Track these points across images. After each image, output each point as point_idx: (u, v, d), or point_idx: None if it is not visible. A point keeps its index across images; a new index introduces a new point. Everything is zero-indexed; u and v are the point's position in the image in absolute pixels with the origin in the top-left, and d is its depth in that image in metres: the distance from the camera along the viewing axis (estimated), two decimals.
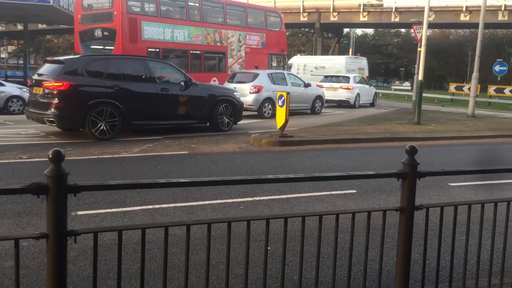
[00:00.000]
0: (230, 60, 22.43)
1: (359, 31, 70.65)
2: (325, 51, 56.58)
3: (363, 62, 32.58)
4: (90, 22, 19.25)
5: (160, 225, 2.38)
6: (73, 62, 10.84)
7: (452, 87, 35.96)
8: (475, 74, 20.33)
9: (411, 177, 2.80)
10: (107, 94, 10.62)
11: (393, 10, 45.85)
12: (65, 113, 10.29)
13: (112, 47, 18.37)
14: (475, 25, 25.20)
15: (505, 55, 61.98)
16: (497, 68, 29.84)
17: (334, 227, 2.74)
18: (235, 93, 13.50)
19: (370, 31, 75.48)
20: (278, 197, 6.17)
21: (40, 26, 46.94)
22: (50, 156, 2.05)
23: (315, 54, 55.46)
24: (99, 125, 10.46)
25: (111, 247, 4.14)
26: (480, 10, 20.59)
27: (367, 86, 25.61)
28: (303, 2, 47.86)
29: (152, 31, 19.32)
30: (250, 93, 16.70)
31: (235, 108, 13.09)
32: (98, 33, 18.81)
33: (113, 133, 10.63)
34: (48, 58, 12.73)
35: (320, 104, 19.72)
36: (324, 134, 12.47)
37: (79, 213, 5.20)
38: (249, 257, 2.56)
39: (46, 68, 11.13)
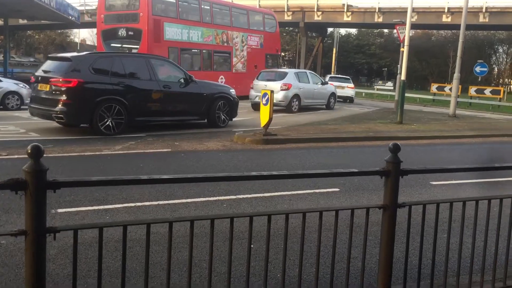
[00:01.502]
0: (234, 60, 23.99)
1: (343, 31, 71.09)
2: (309, 51, 56.81)
3: None
4: (113, 22, 20.16)
5: (142, 222, 2.35)
6: (80, 60, 11.06)
7: (434, 87, 36.40)
8: (456, 75, 20.60)
9: (394, 174, 2.81)
10: (113, 91, 10.86)
11: (377, 11, 46.21)
12: (74, 110, 10.43)
13: (137, 46, 19.41)
14: (457, 27, 25.57)
15: (485, 56, 62.98)
16: (478, 69, 30.27)
17: (317, 225, 2.74)
18: (231, 90, 13.87)
19: (353, 31, 75.98)
20: (261, 195, 6.16)
21: (21, 21, 46.15)
22: (29, 151, 2.01)
23: (299, 53, 55.68)
24: (106, 121, 10.70)
25: (92, 245, 4.08)
26: (461, 12, 20.87)
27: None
28: (287, 1, 47.96)
29: (172, 32, 20.64)
30: (281, 90, 18.39)
31: (232, 105, 13.48)
32: (122, 32, 19.83)
33: (118, 130, 10.83)
34: (50, 55, 12.83)
35: (333, 100, 22.05)
36: (308, 133, 12.50)
37: (59, 210, 5.12)
38: (232, 255, 2.54)
39: (51, 65, 11.25)
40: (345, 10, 47.00)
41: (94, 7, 56.47)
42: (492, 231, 3.29)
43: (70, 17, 27.67)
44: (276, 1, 48.47)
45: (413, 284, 3.26)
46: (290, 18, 49.45)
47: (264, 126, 11.19)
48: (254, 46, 25.20)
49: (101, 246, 2.23)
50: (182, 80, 12.36)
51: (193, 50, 22.09)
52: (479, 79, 34.73)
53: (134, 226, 2.85)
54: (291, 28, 70.86)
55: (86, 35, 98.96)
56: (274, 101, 16.05)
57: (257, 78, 19.82)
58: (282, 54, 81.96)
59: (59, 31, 76.60)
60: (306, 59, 53.78)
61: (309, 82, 20.21)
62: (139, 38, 19.56)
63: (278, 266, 3.82)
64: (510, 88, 68.64)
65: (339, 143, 11.59)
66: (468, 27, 30.81)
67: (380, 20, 46.48)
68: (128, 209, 5.36)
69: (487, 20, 42.87)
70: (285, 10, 48.71)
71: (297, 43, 63.37)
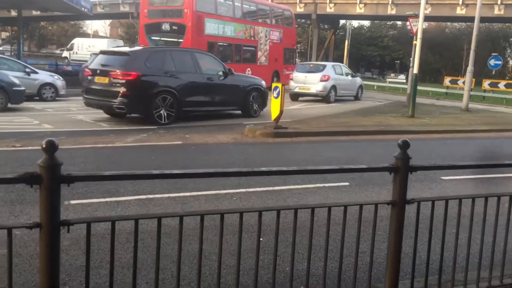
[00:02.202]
0: (259, 53, 25.44)
1: (355, 23, 70.50)
2: (321, 43, 56.47)
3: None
4: (157, 16, 21.30)
5: (153, 216, 2.40)
6: (137, 54, 12.03)
7: (447, 80, 36.02)
8: (470, 68, 20.37)
9: (403, 171, 2.83)
10: (165, 83, 11.70)
11: (390, 3, 45.75)
12: (133, 100, 11.21)
13: (181, 40, 20.63)
14: (471, 19, 25.24)
15: (500, 49, 62.10)
16: (492, 62, 29.89)
17: (326, 219, 2.77)
18: (262, 82, 14.90)
19: (366, 23, 75.33)
20: (271, 188, 6.20)
21: (34, 12, 46.48)
22: (44, 146, 2.05)
23: (311, 45, 55.38)
24: (159, 110, 11.50)
25: (104, 237, 4.15)
26: (476, 4, 20.59)
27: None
28: None
29: (211, 27, 22.02)
30: (320, 81, 20.18)
31: (263, 96, 14.54)
32: (165, 27, 21.04)
33: (169, 119, 11.65)
34: (103, 50, 13.69)
35: (361, 92, 23.99)
36: (319, 126, 12.49)
37: (72, 202, 5.21)
38: (241, 248, 2.58)
39: (107, 59, 12.10)
40: (358, 2, 46.60)
41: None
42: (502, 227, 3.29)
43: (83, 8, 27.77)
44: None
45: (421, 279, 3.28)
46: (302, 10, 49.15)
47: (274, 119, 11.21)
48: (275, 41, 26.50)
49: (113, 238, 2.28)
50: (221, 73, 13.20)
51: (226, 44, 23.33)
52: (493, 73, 34.25)
53: (146, 219, 2.90)
54: (303, 20, 70.45)
55: (98, 27, 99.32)
56: (314, 91, 20.19)
57: (296, 71, 21.56)
58: (295, 45, 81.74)
59: (72, 22, 77.02)
60: (318, 51, 53.53)
61: (342, 74, 22.02)
62: (183, 33, 20.64)
63: (286, 259, 3.86)
64: None
65: (350, 137, 11.57)
66: (483, 19, 30.41)
67: (393, 12, 46.01)
68: (140, 201, 5.43)
69: (502, 12, 42.23)
70: (297, 1, 48.42)
71: (309, 35, 63.00)
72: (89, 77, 12.08)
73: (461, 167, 3.41)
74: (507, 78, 58.08)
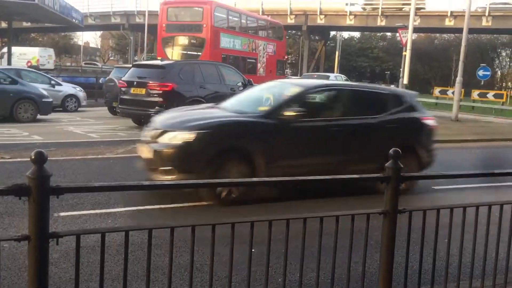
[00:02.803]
0: (258, 65, 26.77)
1: (345, 34, 71.06)
2: (312, 54, 56.84)
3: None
4: (175, 30, 22.65)
5: (144, 228, 2.37)
6: (172, 67, 12.98)
7: (436, 91, 36.38)
8: (459, 79, 20.58)
9: (395, 180, 2.83)
10: (196, 93, 12.64)
11: (379, 14, 46.21)
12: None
13: (199, 53, 21.94)
14: (460, 30, 25.53)
15: (488, 60, 62.83)
16: (480, 72, 30.23)
17: (318, 230, 2.76)
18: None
19: (356, 34, 75.97)
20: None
21: (24, 24, 46.42)
22: (33, 157, 2.03)
23: (302, 56, 55.72)
24: None
25: (94, 249, 4.10)
26: (464, 15, 20.87)
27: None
28: (290, 4, 48.02)
29: (224, 41, 23.40)
30: None
31: None
32: (184, 41, 22.71)
33: None
34: (135, 63, 14.90)
35: None
36: None
37: (62, 214, 5.15)
38: (233, 259, 2.56)
39: (141, 72, 13.07)
40: (348, 14, 47.04)
41: (97, 10, 56.78)
42: (493, 236, 3.30)
43: (74, 20, 27.79)
44: (279, 4, 48.59)
45: None
46: (293, 21, 49.51)
47: None
48: (270, 53, 27.84)
49: (103, 251, 2.25)
50: (240, 84, 14.14)
51: (235, 57, 24.46)
52: (482, 83, 34.60)
53: (136, 230, 2.87)
54: (294, 31, 70.92)
55: (89, 38, 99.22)
56: None
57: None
58: (285, 57, 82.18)
59: (63, 33, 76.89)
60: (309, 62, 53.86)
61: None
62: (202, 46, 22.07)
63: (279, 270, 3.83)
64: None
65: None
66: (471, 30, 30.80)
67: (383, 23, 46.48)
68: (131, 212, 5.38)
69: (490, 23, 42.82)
70: (288, 13, 48.77)
71: (300, 46, 63.42)
72: (124, 89, 13.01)
73: (452, 177, 3.42)
74: (496, 88, 58.75)
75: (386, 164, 2.86)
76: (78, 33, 77.43)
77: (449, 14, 43.71)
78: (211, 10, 21.99)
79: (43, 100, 13.81)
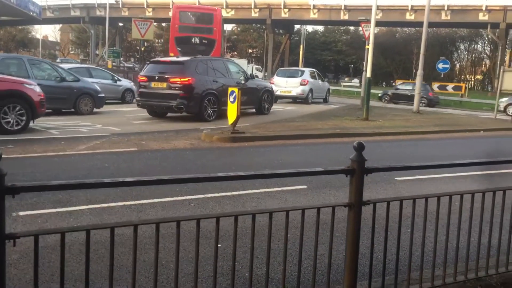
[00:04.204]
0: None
1: (309, 28, 71.56)
2: (277, 47, 57.01)
3: None
4: (187, 31, 25.39)
5: (106, 226, 2.30)
6: (189, 63, 14.28)
7: (398, 84, 37.11)
8: (419, 72, 21.04)
9: (359, 173, 2.85)
10: (210, 86, 14.11)
11: (342, 8, 46.75)
12: (189, 101, 13.58)
13: (209, 51, 24.53)
14: (420, 24, 26.12)
15: (448, 53, 64.59)
16: (440, 65, 31.05)
17: (284, 223, 2.75)
18: (270, 85, 18.61)
19: (320, 28, 76.64)
20: (229, 193, 6.15)
21: None
22: None
23: (267, 50, 55.83)
24: (208, 109, 14.02)
25: (55, 248, 3.99)
26: (424, 10, 21.32)
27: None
28: None
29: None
30: (300, 85, 23.23)
31: (272, 97, 17.83)
32: (195, 40, 25.32)
33: (213, 117, 14.07)
34: (153, 60, 16.35)
35: (328, 95, 27.19)
36: (276, 130, 12.55)
37: (21, 213, 4.98)
38: (199, 255, 2.53)
39: (161, 68, 14.31)
40: (312, 7, 47.35)
41: (56, 3, 55.18)
42: (454, 225, 3.38)
43: (31, 12, 26.92)
44: None
45: (378, 280, 3.32)
46: (257, 15, 49.48)
47: (231, 124, 11.17)
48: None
49: (63, 251, 2.18)
50: (243, 78, 15.81)
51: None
52: (442, 76, 35.58)
53: (98, 229, 2.80)
54: (258, 25, 70.89)
55: (48, 31, 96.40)
56: (294, 94, 23.24)
57: (276, 75, 24.87)
58: (250, 50, 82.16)
59: (20, 27, 74.43)
60: (274, 56, 53.99)
61: (316, 79, 24.96)
62: (212, 46, 25.25)
63: (245, 265, 3.82)
64: (471, 84, 70.69)
65: (306, 140, 11.68)
66: (431, 24, 31.52)
67: (346, 17, 47.05)
68: (93, 210, 5.26)
69: (449, 17, 43.99)
70: (252, 7, 48.71)
71: (265, 40, 63.46)
72: (144, 83, 14.16)
73: (415, 168, 3.48)
74: (455, 81, 60.44)
75: (350, 157, 2.88)
76: (37, 27, 75.15)
77: (409, 8, 44.64)
78: (220, 16, 26.24)
79: (98, 95, 15.64)
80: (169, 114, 14.94)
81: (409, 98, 28.21)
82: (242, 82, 15.39)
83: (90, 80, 17.40)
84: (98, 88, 16.01)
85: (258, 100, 16.51)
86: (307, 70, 24.88)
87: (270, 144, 10.82)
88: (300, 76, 23.74)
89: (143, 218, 4.92)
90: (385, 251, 3.14)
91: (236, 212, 2.79)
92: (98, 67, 23.82)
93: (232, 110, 11.05)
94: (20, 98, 10.52)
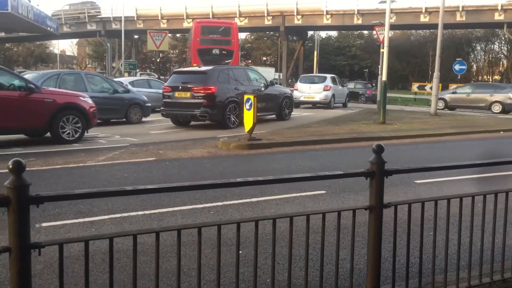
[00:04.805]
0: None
1: (323, 34, 71.48)
2: (291, 54, 57.02)
3: None
4: (208, 43, 27.92)
5: (128, 234, 2.33)
6: (212, 72, 14.64)
7: (414, 86, 36.85)
8: (436, 74, 20.85)
9: (379, 175, 2.83)
10: (232, 94, 14.47)
11: (356, 13, 46.60)
12: (213, 110, 13.97)
13: (229, 61, 27.12)
14: (435, 26, 25.88)
15: (464, 54, 63.80)
16: (457, 67, 30.70)
17: (305, 228, 2.75)
18: (289, 91, 18.94)
19: (333, 33, 76.48)
20: (248, 200, 6.15)
21: None
22: (10, 166, 1.98)
23: (281, 57, 55.92)
24: (231, 117, 14.34)
25: (79, 258, 4.03)
26: (439, 11, 21.15)
27: None
28: (267, 5, 48.12)
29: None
30: (324, 90, 24.48)
31: (291, 103, 18.20)
32: (215, 51, 27.88)
33: (235, 125, 14.31)
34: (176, 70, 17.36)
35: (347, 99, 28.18)
36: (292, 136, 12.54)
37: (44, 224, 5.05)
38: (220, 262, 2.53)
39: (184, 78, 14.91)
40: (325, 13, 47.32)
41: (72, 17, 56.08)
42: (477, 227, 3.33)
43: (49, 28, 27.40)
44: (256, 6, 48.66)
45: (401, 283, 3.28)
46: (270, 22, 49.60)
47: (248, 131, 11.20)
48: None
49: (87, 259, 2.21)
50: (263, 85, 16.19)
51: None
52: (459, 77, 35.18)
53: (121, 237, 2.82)
54: (271, 33, 71.05)
55: (65, 46, 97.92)
56: (318, 99, 24.50)
57: (299, 81, 26.41)
58: (264, 58, 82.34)
59: (38, 42, 75.80)
60: (288, 62, 54.00)
61: (337, 85, 26.04)
62: (231, 56, 28.09)
63: (267, 271, 3.82)
64: None
65: (323, 146, 11.64)
66: (446, 26, 31.23)
67: (360, 22, 46.88)
68: (114, 220, 5.31)
69: (464, 18, 43.52)
70: (265, 15, 48.87)
71: (278, 47, 63.57)
72: (168, 93, 14.70)
73: (435, 169, 3.44)
74: (472, 82, 59.63)
75: (369, 159, 2.86)
76: (54, 42, 76.44)
77: (423, 10, 44.29)
78: (236, 29, 29.18)
79: (146, 105, 16.58)
80: (189, 123, 15.31)
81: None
82: (262, 89, 15.82)
83: (149, 90, 19.53)
84: (145, 98, 16.99)
85: (278, 106, 16.89)
86: (329, 76, 25.76)
87: (287, 150, 10.81)
88: (323, 82, 24.88)
89: (164, 226, 4.95)
90: (408, 254, 3.10)
91: (256, 217, 2.79)
92: (156, 79, 25.56)
93: (248, 118, 11.07)
94: (76, 110, 11.23)
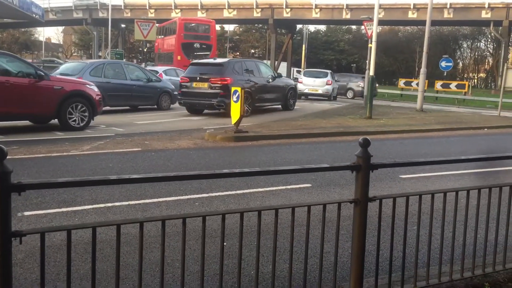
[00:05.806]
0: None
1: (311, 28, 71.49)
2: (279, 47, 56.97)
3: None
4: (190, 38, 32.94)
5: (112, 223, 2.30)
6: (228, 64, 15.64)
7: (401, 82, 37.03)
8: (423, 70, 20.99)
9: (365, 169, 2.84)
10: (246, 85, 14.73)
11: (345, 7, 46.67)
12: (229, 99, 13.31)
13: (207, 53, 31.56)
14: (423, 22, 26.03)
15: (450, 51, 64.39)
16: (443, 64, 30.96)
17: (290, 221, 2.74)
18: (293, 82, 20.14)
19: (322, 27, 76.54)
20: (233, 192, 6.14)
21: None
22: None
23: (269, 50, 55.82)
24: (245, 107, 13.81)
25: (61, 248, 3.99)
26: (427, 8, 21.26)
27: None
28: None
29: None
30: (326, 85, 27.93)
31: (296, 94, 19.42)
32: (197, 45, 32.97)
33: (248, 113, 14.55)
34: (194, 62, 17.58)
35: (336, 93, 30.17)
36: (279, 129, 12.53)
37: (26, 213, 4.98)
38: (205, 254, 2.52)
39: (204, 69, 15.73)
40: (314, 7, 47.30)
41: (59, 5, 55.28)
42: (460, 222, 3.37)
43: (34, 15, 26.92)
44: None
45: (385, 276, 3.30)
46: (259, 15, 49.47)
47: (235, 123, 11.16)
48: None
49: (69, 249, 2.18)
50: (271, 76, 17.22)
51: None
52: (445, 74, 35.49)
53: (104, 227, 2.79)
54: (260, 25, 70.87)
55: (51, 34, 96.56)
56: (321, 92, 28.01)
57: (304, 75, 29.32)
58: (252, 51, 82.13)
59: (23, 29, 74.63)
60: (276, 55, 53.95)
61: (334, 80, 29.22)
62: (210, 50, 33.05)
63: (251, 263, 3.81)
64: (474, 82, 70.49)
65: (310, 139, 11.66)
66: (433, 23, 31.44)
67: (348, 16, 46.98)
68: (98, 210, 5.26)
69: (451, 15, 43.87)
70: (254, 7, 48.69)
71: (267, 40, 63.46)
72: (186, 83, 15.55)
73: (420, 164, 3.47)
74: (458, 79, 60.27)
75: (356, 153, 2.87)
76: (39, 29, 75.34)
77: (412, 6, 44.54)
78: (214, 26, 35.00)
79: (174, 92, 17.43)
80: (202, 112, 16.33)
81: None
82: (270, 80, 16.85)
83: (176, 78, 20.20)
84: (173, 86, 18.00)
85: (284, 97, 17.87)
86: (329, 72, 29.17)
87: (273, 143, 10.81)
88: (325, 77, 28.30)
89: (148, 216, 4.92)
90: (391, 248, 3.12)
91: (242, 209, 2.78)
92: (181, 69, 26.97)
93: (235, 110, 11.03)
94: (83, 98, 11.40)
